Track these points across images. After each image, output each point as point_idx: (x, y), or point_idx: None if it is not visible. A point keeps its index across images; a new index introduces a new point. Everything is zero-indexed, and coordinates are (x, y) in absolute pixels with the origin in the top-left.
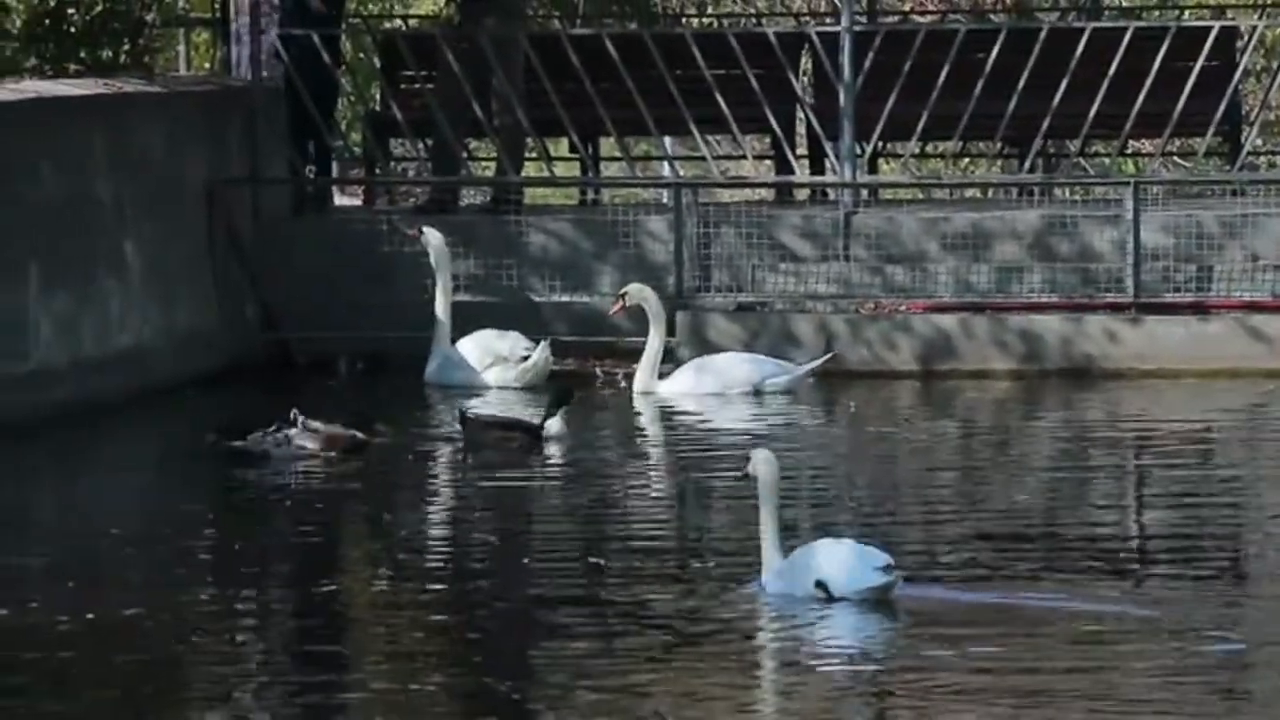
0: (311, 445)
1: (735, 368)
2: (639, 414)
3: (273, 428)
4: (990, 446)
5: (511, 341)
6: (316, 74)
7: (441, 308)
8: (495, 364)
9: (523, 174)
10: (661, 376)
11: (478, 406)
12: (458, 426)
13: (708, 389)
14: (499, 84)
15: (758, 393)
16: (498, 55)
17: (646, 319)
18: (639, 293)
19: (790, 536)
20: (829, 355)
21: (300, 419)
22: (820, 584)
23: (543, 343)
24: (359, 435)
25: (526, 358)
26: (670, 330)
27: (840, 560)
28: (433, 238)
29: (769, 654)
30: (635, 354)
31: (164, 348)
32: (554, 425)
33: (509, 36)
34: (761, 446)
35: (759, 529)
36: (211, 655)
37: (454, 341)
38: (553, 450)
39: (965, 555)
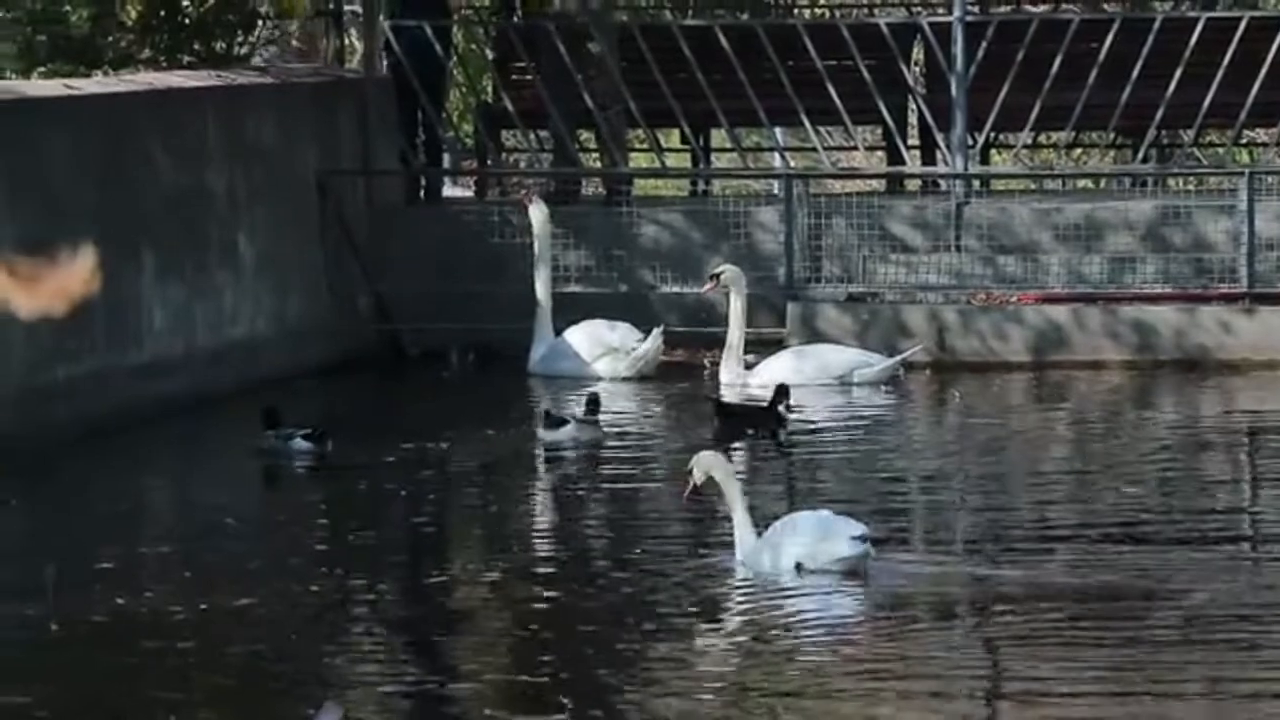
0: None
1: (823, 358)
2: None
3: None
4: (1101, 436)
5: (622, 333)
6: (428, 65)
7: (542, 290)
8: (606, 355)
9: (633, 165)
10: (746, 367)
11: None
12: (713, 414)
13: (796, 380)
14: (602, 79)
15: (845, 383)
16: (594, 45)
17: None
18: (733, 277)
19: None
20: (917, 347)
21: (572, 414)
22: (797, 565)
23: (655, 331)
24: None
25: (636, 348)
26: (781, 321)
27: (814, 532)
28: (538, 212)
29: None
30: (747, 345)
31: (276, 338)
32: (784, 413)
33: (603, 27)
34: (705, 451)
35: (731, 513)
36: (323, 645)
37: (559, 330)
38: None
39: (1073, 542)
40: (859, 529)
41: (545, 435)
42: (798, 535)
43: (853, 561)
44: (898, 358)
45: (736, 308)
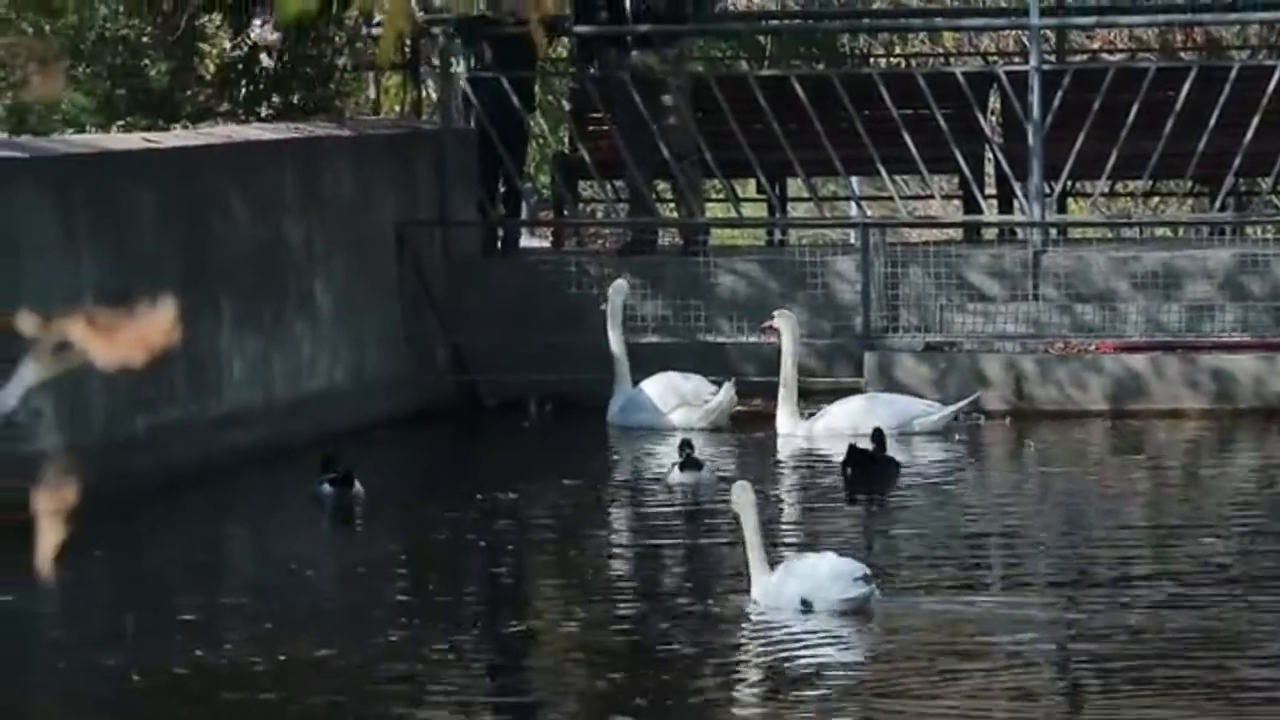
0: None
1: (882, 408)
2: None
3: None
4: (1180, 486)
5: (695, 384)
6: (507, 117)
7: (618, 350)
8: (680, 406)
9: (709, 215)
10: (803, 416)
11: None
12: (845, 462)
13: (849, 430)
14: (678, 130)
15: (905, 433)
16: (669, 95)
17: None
18: (784, 322)
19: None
20: (975, 395)
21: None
22: (804, 601)
23: (726, 384)
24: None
25: (709, 400)
26: (859, 370)
27: (819, 574)
28: (615, 293)
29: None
30: (825, 394)
31: (353, 389)
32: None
33: (678, 76)
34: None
35: (747, 551)
36: (405, 696)
37: (635, 382)
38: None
39: (1152, 590)
40: (862, 570)
41: (682, 478)
42: (803, 575)
43: (858, 602)
44: (954, 406)
45: (787, 351)
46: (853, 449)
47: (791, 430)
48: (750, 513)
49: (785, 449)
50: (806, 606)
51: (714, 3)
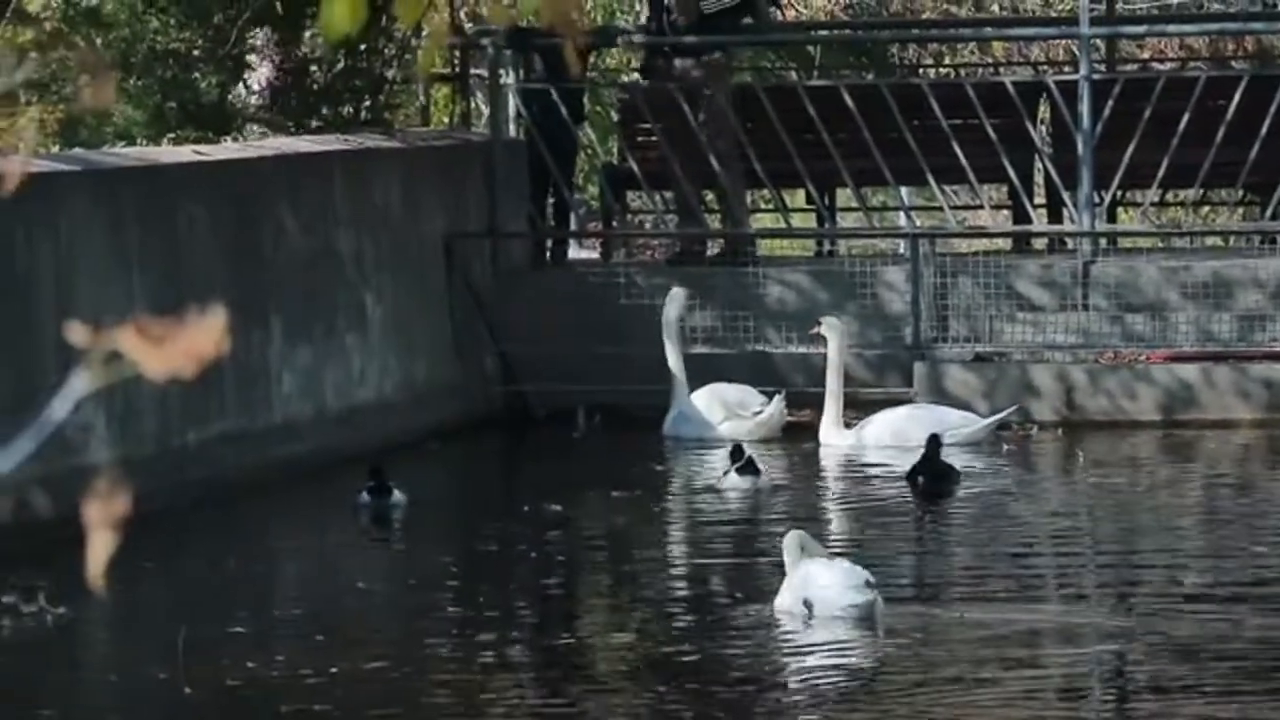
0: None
1: (924, 417)
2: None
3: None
4: (1231, 497)
5: (741, 394)
6: (556, 128)
7: (675, 364)
8: (730, 418)
9: (758, 225)
10: (846, 426)
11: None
12: (916, 470)
13: (891, 441)
14: (722, 139)
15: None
16: (709, 106)
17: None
18: (831, 330)
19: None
20: (1014, 407)
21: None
22: (806, 603)
23: (777, 397)
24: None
25: (760, 412)
26: (908, 381)
27: (824, 579)
28: (672, 306)
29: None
30: (875, 405)
31: (404, 401)
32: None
33: (717, 85)
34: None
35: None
36: (457, 708)
37: (691, 393)
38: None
39: (1202, 601)
40: (865, 576)
41: (739, 481)
42: (810, 580)
43: (863, 609)
44: (992, 418)
45: (833, 360)
46: (924, 458)
47: (835, 440)
48: (788, 550)
49: (828, 459)
50: (809, 608)
51: (769, 13)
